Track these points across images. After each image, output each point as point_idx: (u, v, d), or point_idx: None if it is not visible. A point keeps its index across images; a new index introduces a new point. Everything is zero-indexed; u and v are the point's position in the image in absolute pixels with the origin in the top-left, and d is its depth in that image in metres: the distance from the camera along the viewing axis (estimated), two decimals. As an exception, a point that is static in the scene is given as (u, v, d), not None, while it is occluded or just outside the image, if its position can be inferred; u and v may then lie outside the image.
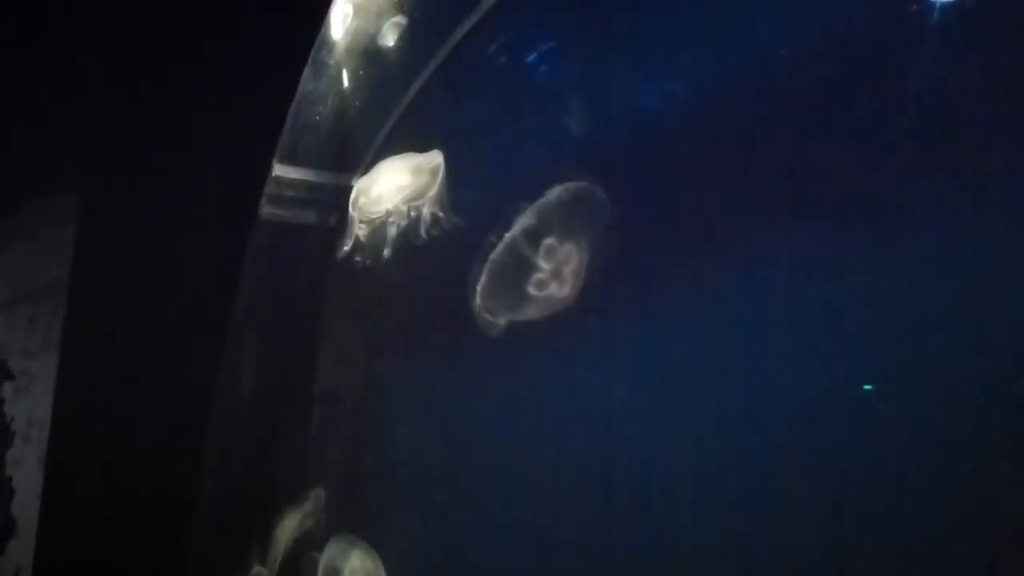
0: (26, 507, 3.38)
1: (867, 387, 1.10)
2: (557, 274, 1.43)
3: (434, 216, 1.80)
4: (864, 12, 1.18)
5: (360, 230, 1.96)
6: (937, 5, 1.09)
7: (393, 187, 1.91)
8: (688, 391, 1.31)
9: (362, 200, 1.99)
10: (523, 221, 1.45)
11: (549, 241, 1.43)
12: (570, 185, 1.41)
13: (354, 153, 2.19)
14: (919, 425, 1.05)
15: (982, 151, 1.04)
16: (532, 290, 1.45)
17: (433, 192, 1.82)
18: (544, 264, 1.43)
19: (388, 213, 1.88)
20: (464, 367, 1.77)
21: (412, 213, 1.84)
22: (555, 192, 1.43)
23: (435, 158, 1.86)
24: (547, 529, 1.48)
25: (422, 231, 1.81)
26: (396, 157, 1.96)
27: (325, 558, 1.97)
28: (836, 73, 1.18)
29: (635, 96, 1.50)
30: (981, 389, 1.00)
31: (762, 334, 1.22)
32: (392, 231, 1.87)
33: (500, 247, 1.47)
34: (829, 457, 1.11)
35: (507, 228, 1.47)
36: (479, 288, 1.51)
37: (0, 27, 3.39)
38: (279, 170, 2.52)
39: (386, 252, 1.88)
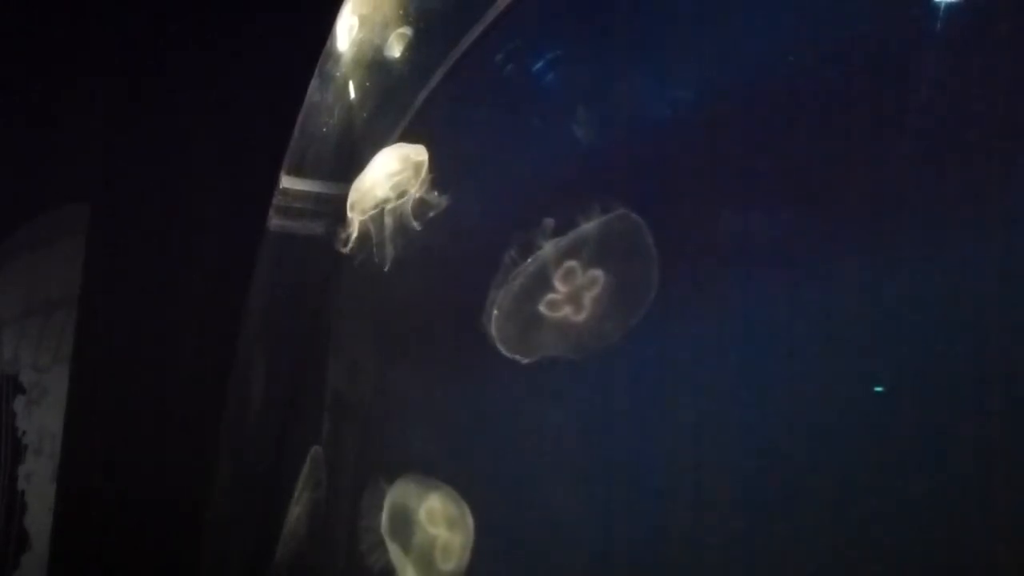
0: (39, 521, 3.39)
1: (878, 388, 1.11)
2: (575, 298, 1.41)
3: (425, 204, 1.79)
4: (869, 15, 1.18)
5: (359, 227, 1.96)
6: (941, 6, 1.10)
7: (383, 175, 1.91)
8: (697, 402, 1.31)
9: (356, 195, 1.99)
10: (555, 242, 1.43)
11: (570, 264, 1.41)
12: (610, 213, 1.39)
13: (361, 164, 2.20)
14: (921, 427, 1.05)
15: (984, 151, 1.04)
16: (544, 310, 1.44)
17: (423, 179, 1.81)
18: (561, 287, 1.42)
19: (382, 203, 1.88)
20: (472, 373, 1.77)
21: (405, 201, 1.83)
22: (594, 219, 1.40)
23: (420, 149, 1.86)
24: (554, 535, 1.49)
25: (415, 222, 1.80)
26: (387, 148, 1.96)
27: (394, 497, 1.73)
28: (846, 75, 1.19)
29: (646, 104, 1.51)
30: (982, 390, 1.00)
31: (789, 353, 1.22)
32: (389, 224, 1.87)
33: (522, 265, 1.46)
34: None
35: (523, 241, 1.46)
36: (494, 305, 1.49)
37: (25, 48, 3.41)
38: (286, 182, 2.53)
39: (390, 253, 1.88)
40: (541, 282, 1.44)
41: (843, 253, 1.16)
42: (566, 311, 1.42)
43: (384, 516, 1.74)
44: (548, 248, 1.43)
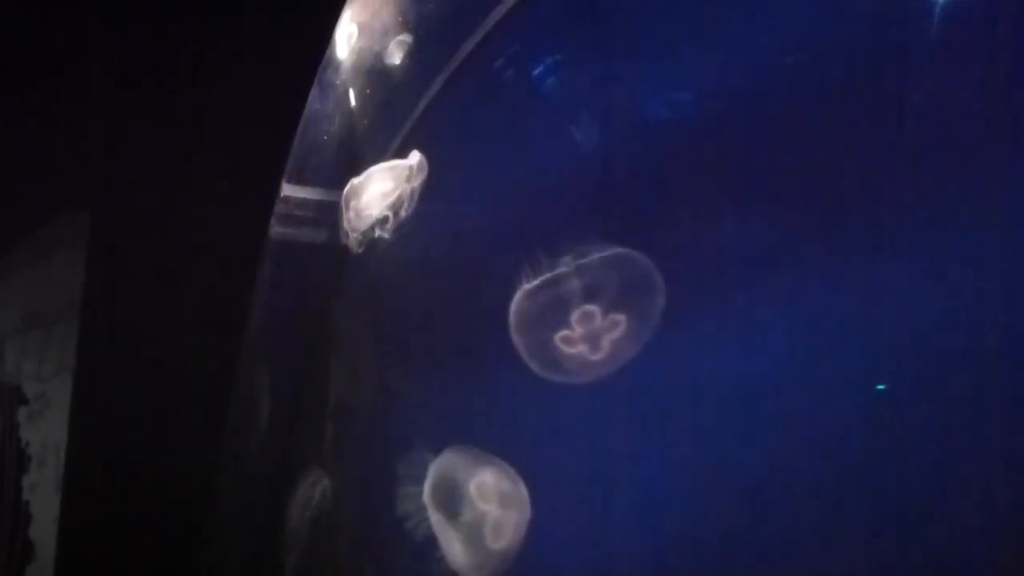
0: (43, 532, 3.39)
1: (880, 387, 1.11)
2: (592, 339, 1.40)
3: (410, 218, 1.80)
4: (868, 15, 1.19)
5: (355, 239, 1.97)
6: (941, 6, 1.10)
7: (378, 194, 1.92)
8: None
9: (352, 206, 2.00)
10: (568, 276, 1.41)
11: (589, 308, 1.39)
12: (623, 252, 1.38)
13: (362, 172, 2.20)
14: (921, 426, 1.05)
15: (983, 151, 1.05)
16: (560, 344, 1.42)
17: (411, 194, 1.82)
18: (578, 328, 1.40)
19: (377, 221, 1.89)
20: (473, 376, 1.77)
21: (396, 217, 1.84)
22: (609, 256, 1.39)
23: (412, 159, 1.86)
24: (558, 541, 1.48)
25: (401, 233, 1.81)
26: (382, 164, 1.97)
27: (440, 467, 1.62)
28: (846, 75, 1.19)
29: (645, 107, 1.51)
30: (982, 390, 1.01)
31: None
32: (384, 238, 1.87)
33: (532, 290, 1.44)
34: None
35: (532, 258, 1.45)
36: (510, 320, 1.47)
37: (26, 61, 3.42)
38: (288, 190, 2.53)
39: (387, 263, 1.89)
40: (558, 317, 1.43)
41: (843, 254, 1.17)
42: (582, 350, 1.40)
43: (427, 490, 1.63)
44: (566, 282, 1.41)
